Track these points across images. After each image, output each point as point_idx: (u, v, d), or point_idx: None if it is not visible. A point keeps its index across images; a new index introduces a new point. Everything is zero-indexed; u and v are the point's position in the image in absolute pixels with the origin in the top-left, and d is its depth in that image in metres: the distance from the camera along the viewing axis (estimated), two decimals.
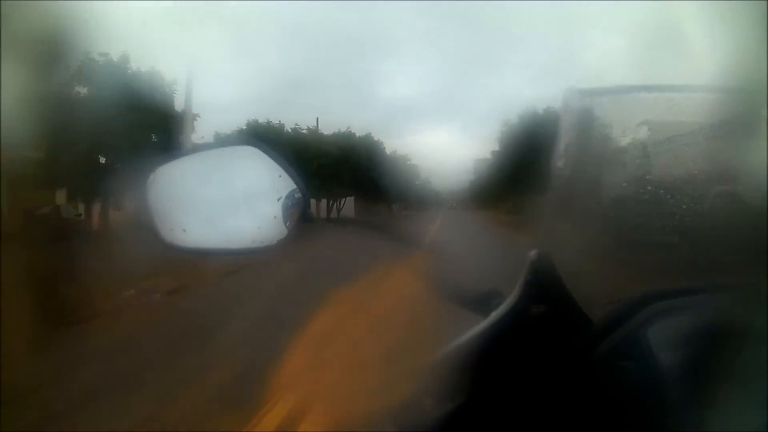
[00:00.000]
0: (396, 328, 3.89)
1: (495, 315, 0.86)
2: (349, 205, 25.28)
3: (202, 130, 20.31)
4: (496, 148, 22.07)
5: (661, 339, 0.79)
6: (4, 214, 7.78)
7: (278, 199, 0.93)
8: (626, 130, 0.92)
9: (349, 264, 8.92)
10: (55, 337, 4.52)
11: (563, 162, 0.86)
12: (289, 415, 2.87)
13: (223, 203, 0.96)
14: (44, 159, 9.59)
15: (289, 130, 22.21)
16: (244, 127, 20.75)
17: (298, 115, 24.10)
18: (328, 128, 23.70)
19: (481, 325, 0.87)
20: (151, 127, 12.13)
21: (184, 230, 0.93)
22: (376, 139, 24.49)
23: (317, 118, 23.64)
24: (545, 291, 0.83)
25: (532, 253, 0.84)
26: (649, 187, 0.92)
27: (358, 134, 23.90)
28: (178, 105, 12.60)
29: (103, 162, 11.78)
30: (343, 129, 23.68)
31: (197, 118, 14.18)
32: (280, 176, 0.93)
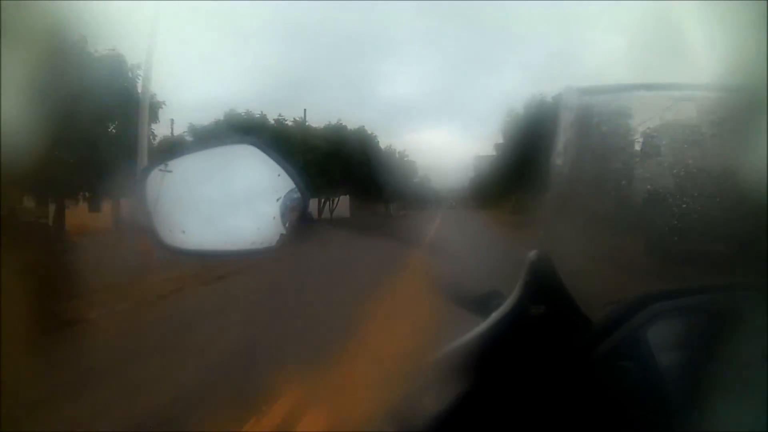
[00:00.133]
0: (396, 328, 3.89)
1: (495, 315, 0.86)
2: (344, 204, 23.98)
3: (182, 123, 18.56)
4: (500, 140, 20.45)
5: (660, 339, 0.79)
6: None
7: (277, 199, 0.93)
8: (626, 128, 0.92)
9: (344, 266, 8.87)
10: None
11: (562, 160, 0.86)
12: (289, 415, 2.87)
13: (223, 203, 0.96)
14: None
15: (273, 122, 20.11)
16: (221, 119, 18.92)
17: (294, 113, 22.29)
18: (320, 123, 21.76)
19: (481, 325, 0.87)
20: (108, 117, 10.46)
21: (184, 232, 0.93)
22: (369, 132, 22.63)
23: (305, 110, 21.75)
24: (545, 291, 0.83)
25: (532, 254, 0.84)
26: (649, 186, 0.92)
27: (350, 127, 21.94)
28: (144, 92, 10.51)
29: (57, 156, 9.74)
30: (334, 122, 21.76)
31: (162, 107, 12.62)
32: (279, 175, 0.92)
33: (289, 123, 20.69)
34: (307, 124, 21.40)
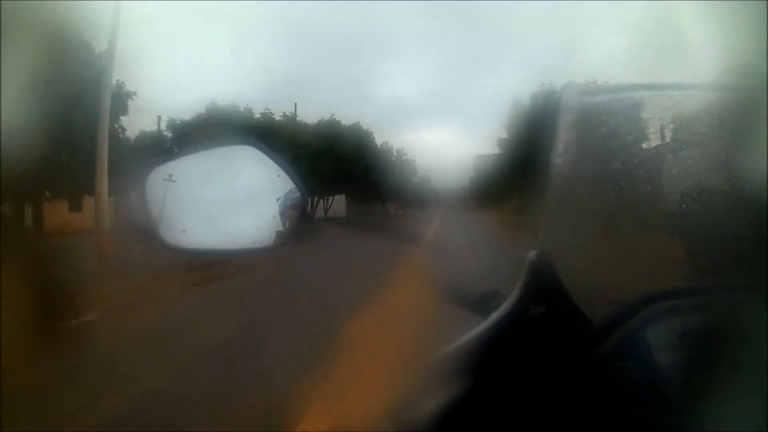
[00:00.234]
0: (396, 328, 3.89)
1: (495, 316, 0.86)
2: (339, 203, 22.93)
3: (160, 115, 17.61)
4: (504, 136, 19.28)
5: (660, 339, 0.79)
6: None
7: (277, 199, 0.93)
8: (626, 128, 0.91)
9: (340, 264, 8.76)
10: None
11: (562, 160, 0.86)
12: (289, 415, 2.86)
13: (223, 203, 0.96)
14: None
15: (258, 116, 18.81)
16: (203, 112, 17.84)
17: (287, 110, 20.36)
18: (313, 119, 20.37)
19: (481, 325, 0.87)
20: (72, 107, 9.46)
21: (184, 231, 0.93)
22: (365, 129, 21.36)
23: (295, 104, 20.24)
24: (545, 292, 0.83)
25: (532, 254, 0.83)
26: (648, 186, 0.92)
27: (344, 123, 20.65)
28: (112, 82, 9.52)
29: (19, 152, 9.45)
30: (326, 117, 20.47)
31: (133, 97, 12.01)
32: (278, 176, 0.93)
33: (278, 118, 19.38)
34: (298, 119, 20.16)
